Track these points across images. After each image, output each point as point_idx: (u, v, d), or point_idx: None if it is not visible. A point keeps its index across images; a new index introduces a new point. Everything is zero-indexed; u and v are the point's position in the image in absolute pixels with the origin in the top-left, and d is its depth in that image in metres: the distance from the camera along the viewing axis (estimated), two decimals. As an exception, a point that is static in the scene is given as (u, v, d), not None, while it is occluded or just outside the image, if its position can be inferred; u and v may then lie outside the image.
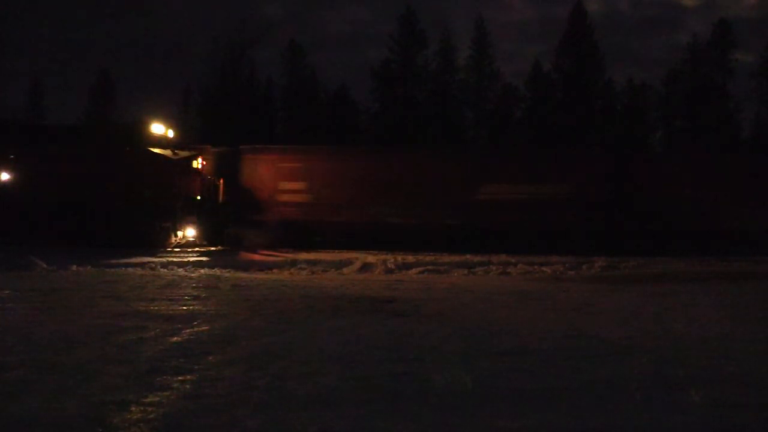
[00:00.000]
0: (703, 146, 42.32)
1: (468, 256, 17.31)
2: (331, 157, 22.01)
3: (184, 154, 21.02)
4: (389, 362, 5.94)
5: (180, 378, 5.33)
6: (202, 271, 14.64)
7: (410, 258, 17.05)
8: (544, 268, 15.75)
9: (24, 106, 54.22)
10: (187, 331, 7.36)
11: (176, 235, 20.46)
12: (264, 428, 4.26)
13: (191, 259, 16.90)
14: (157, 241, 19.69)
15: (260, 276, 14.16)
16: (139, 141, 20.15)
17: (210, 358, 6.08)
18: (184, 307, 9.18)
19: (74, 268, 14.31)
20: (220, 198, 21.47)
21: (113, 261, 15.43)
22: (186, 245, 20.39)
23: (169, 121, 22.01)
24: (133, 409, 4.56)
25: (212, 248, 20.14)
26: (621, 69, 62.33)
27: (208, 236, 21.05)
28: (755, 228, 20.40)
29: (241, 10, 76.67)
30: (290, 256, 17.60)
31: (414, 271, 15.34)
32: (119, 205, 19.60)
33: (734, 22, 50.42)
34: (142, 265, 15.18)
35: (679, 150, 37.70)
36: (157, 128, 20.58)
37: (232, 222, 20.96)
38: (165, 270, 14.60)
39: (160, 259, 16.25)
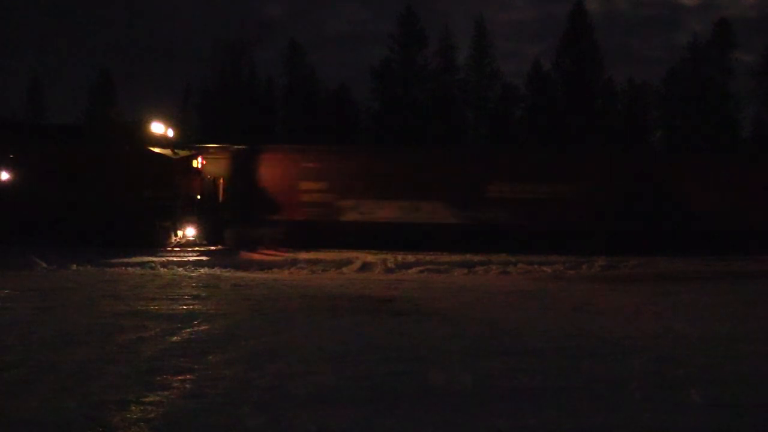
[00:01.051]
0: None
1: (468, 256, 17.29)
2: None
3: (184, 153, 21.00)
4: (389, 362, 5.94)
5: (180, 377, 5.34)
6: (202, 270, 14.64)
7: (410, 257, 17.04)
8: (544, 268, 15.74)
9: (24, 105, 54.16)
10: (187, 330, 7.37)
11: (176, 235, 20.43)
12: (264, 427, 4.26)
13: (191, 258, 16.90)
14: (157, 240, 19.66)
15: (260, 275, 14.16)
16: (139, 140, 20.13)
17: (210, 357, 6.08)
18: (184, 307, 9.18)
19: (74, 267, 14.31)
20: (220, 198, 21.46)
21: (113, 260, 15.42)
22: (186, 245, 20.36)
23: (169, 121, 21.97)
24: (133, 408, 4.56)
25: (212, 248, 20.11)
26: (621, 69, 62.23)
27: (208, 236, 21.03)
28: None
29: (241, 10, 76.73)
30: (290, 255, 17.58)
31: (414, 270, 15.33)
32: (119, 204, 19.57)
33: (734, 22, 50.40)
34: (142, 264, 15.17)
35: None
36: (157, 127, 20.56)
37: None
38: (165, 269, 14.59)
39: (160, 259, 16.24)
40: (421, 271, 15.21)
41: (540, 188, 20.57)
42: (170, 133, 21.01)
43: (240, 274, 14.23)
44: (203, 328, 7.55)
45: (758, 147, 43.06)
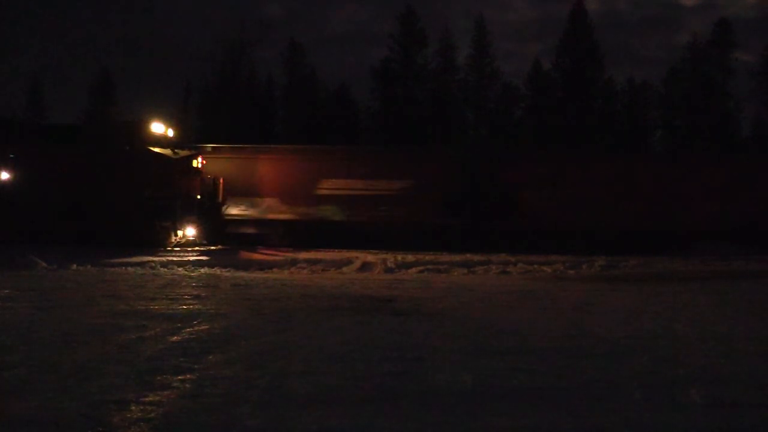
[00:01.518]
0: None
1: (468, 255, 17.30)
2: None
3: (184, 153, 21.00)
4: (389, 361, 5.94)
5: (180, 377, 5.34)
6: (202, 270, 14.63)
7: (410, 257, 17.05)
8: (544, 267, 15.74)
9: (24, 105, 54.20)
10: (187, 330, 7.37)
11: (176, 235, 20.42)
12: (264, 427, 4.26)
13: (191, 258, 16.89)
14: (157, 240, 19.66)
15: (260, 275, 14.15)
16: (139, 140, 20.13)
17: (210, 357, 6.08)
18: (184, 307, 9.18)
19: (74, 267, 14.30)
20: (220, 197, 21.47)
21: (113, 260, 15.42)
22: (186, 244, 20.35)
23: (169, 120, 21.97)
24: (133, 408, 4.56)
25: (212, 247, 20.11)
26: (621, 69, 62.29)
27: (208, 235, 21.04)
28: None
29: (241, 10, 76.78)
30: (290, 255, 17.58)
31: (414, 270, 15.33)
32: (119, 204, 19.57)
33: (734, 22, 50.44)
34: (142, 264, 15.17)
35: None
36: (157, 127, 20.55)
37: None
38: (165, 269, 14.59)
39: (160, 259, 16.23)
40: (421, 271, 15.21)
41: (372, 185, 21.16)
42: (170, 133, 21.01)
43: (240, 273, 14.22)
44: (203, 327, 7.55)
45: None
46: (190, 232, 20.66)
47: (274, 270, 15.31)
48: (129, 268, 14.48)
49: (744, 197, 20.50)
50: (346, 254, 17.57)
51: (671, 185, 20.84)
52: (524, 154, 23.35)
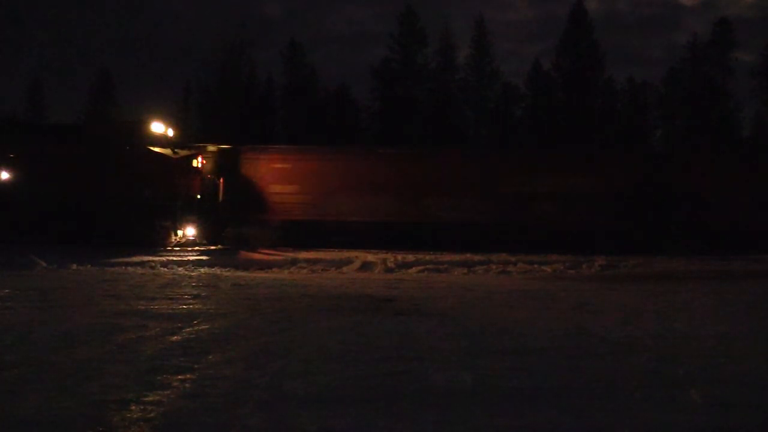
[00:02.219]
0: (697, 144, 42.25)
1: (468, 255, 17.30)
2: None
3: (184, 153, 21.01)
4: (389, 361, 5.94)
5: (180, 377, 5.33)
6: (202, 270, 14.64)
7: (410, 257, 17.05)
8: (543, 267, 15.74)
9: (24, 105, 54.28)
10: (188, 330, 7.36)
11: (176, 234, 20.46)
12: (264, 427, 4.26)
13: (191, 258, 16.90)
14: (157, 240, 19.69)
15: (260, 275, 14.16)
16: (139, 140, 20.14)
17: (210, 357, 6.08)
18: (184, 306, 9.18)
19: (74, 267, 14.31)
20: (220, 197, 21.48)
21: (113, 260, 15.43)
22: (186, 244, 20.38)
23: (169, 120, 21.98)
24: (133, 408, 4.56)
25: (212, 247, 20.14)
26: (621, 69, 62.40)
27: (208, 235, 21.06)
28: None
29: (241, 10, 76.82)
30: (290, 255, 17.59)
31: (414, 269, 15.33)
32: (119, 204, 19.58)
33: (734, 22, 50.44)
34: (142, 264, 15.18)
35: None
36: (157, 127, 20.57)
37: None
38: (165, 269, 14.60)
39: (160, 258, 16.25)
40: (421, 271, 15.21)
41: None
42: (170, 132, 21.02)
43: (240, 273, 14.22)
44: (203, 327, 7.55)
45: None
46: (190, 232, 20.69)
47: (274, 270, 15.31)
48: (129, 268, 14.48)
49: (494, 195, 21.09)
50: (346, 254, 17.57)
51: (418, 180, 21.34)
52: (267, 152, 23.20)
